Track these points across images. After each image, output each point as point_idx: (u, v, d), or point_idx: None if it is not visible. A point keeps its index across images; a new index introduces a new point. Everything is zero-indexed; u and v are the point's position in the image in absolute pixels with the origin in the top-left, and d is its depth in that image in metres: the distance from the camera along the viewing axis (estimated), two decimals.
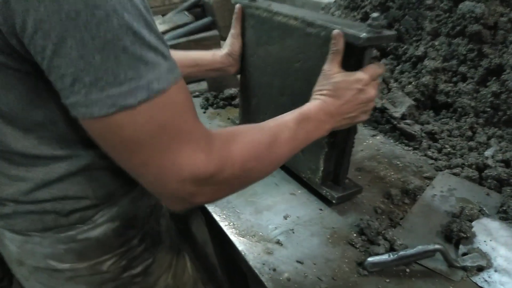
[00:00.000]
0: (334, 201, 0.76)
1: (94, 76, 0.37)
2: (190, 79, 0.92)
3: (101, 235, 0.61)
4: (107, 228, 0.61)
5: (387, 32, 0.62)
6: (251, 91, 0.91)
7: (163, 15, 1.97)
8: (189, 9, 1.97)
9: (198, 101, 1.26)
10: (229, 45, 0.91)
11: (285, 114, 0.61)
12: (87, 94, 0.38)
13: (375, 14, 0.61)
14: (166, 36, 1.78)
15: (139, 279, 0.69)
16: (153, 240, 0.72)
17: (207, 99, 1.24)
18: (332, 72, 0.63)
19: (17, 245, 0.59)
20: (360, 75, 0.63)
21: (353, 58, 0.64)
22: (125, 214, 0.63)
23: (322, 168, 0.76)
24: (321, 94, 0.64)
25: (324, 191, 0.77)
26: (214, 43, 1.62)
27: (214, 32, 1.62)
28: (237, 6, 0.88)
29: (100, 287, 0.66)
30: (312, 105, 0.63)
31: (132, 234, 0.66)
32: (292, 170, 0.85)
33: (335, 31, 0.62)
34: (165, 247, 0.75)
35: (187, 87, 0.45)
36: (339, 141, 0.73)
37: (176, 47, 1.53)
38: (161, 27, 1.82)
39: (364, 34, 0.59)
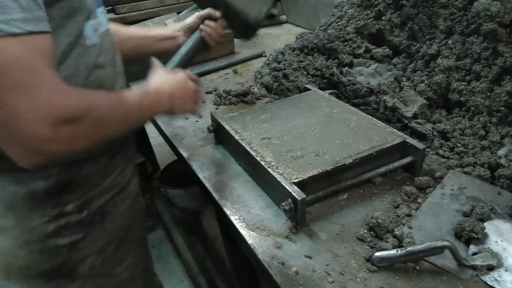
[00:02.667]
0: None
1: None
2: (144, 51, 1.01)
3: (32, 191, 0.66)
4: (40, 184, 0.66)
5: None
6: None
7: (178, 13, 1.99)
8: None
9: (210, 97, 1.27)
10: (191, 22, 1.02)
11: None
12: None
13: None
14: None
15: (64, 252, 0.72)
16: (94, 218, 0.75)
17: (219, 96, 1.25)
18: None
19: None
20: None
21: None
22: (62, 176, 0.68)
23: None
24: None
25: None
26: (227, 41, 1.64)
27: (227, 30, 1.63)
28: None
29: (26, 246, 0.70)
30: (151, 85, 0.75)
31: (67, 199, 0.70)
32: None
33: None
34: (105, 230, 0.78)
35: (51, 44, 0.54)
36: None
37: None
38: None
39: None
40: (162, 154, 2.43)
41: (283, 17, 2.15)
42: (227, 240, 1.02)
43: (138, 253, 0.92)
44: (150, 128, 2.09)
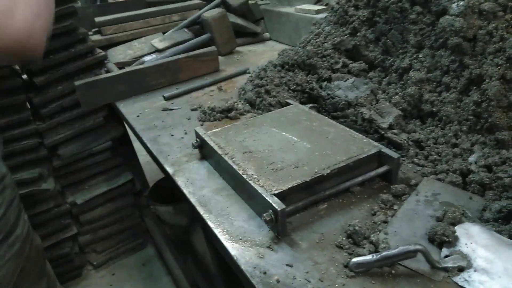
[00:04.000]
0: None
1: None
2: None
3: None
4: None
5: None
6: None
7: (164, 33, 2.04)
8: (188, 26, 2.04)
9: (196, 114, 1.31)
10: None
11: None
12: None
13: None
14: (167, 52, 1.84)
15: None
16: None
17: (204, 112, 1.29)
18: None
19: None
20: None
21: None
22: None
23: None
24: None
25: None
26: (212, 59, 1.68)
27: (212, 48, 1.68)
28: None
29: None
30: None
31: None
32: None
33: None
34: None
35: None
36: None
37: (176, 63, 1.59)
38: (161, 44, 1.89)
39: None
40: (151, 172, 2.45)
41: (267, 35, 2.21)
42: (214, 253, 1.04)
43: (40, 285, 0.90)
44: (138, 146, 2.11)
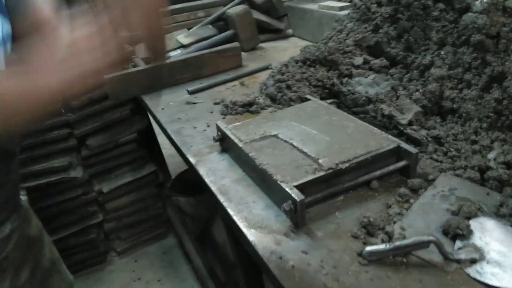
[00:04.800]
0: None
1: None
2: None
3: None
4: None
5: None
6: None
7: (188, 29, 2.09)
8: (212, 22, 2.08)
9: (218, 108, 1.35)
10: None
11: None
12: None
13: None
14: (191, 48, 1.90)
15: None
16: None
17: (226, 106, 1.33)
18: None
19: None
20: None
21: None
22: None
23: None
24: None
25: None
26: (235, 54, 1.72)
27: (235, 44, 1.72)
28: None
29: None
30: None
31: None
32: None
33: None
34: None
35: None
36: None
37: (200, 58, 1.64)
38: (186, 40, 1.94)
39: None
40: (174, 164, 2.52)
41: (290, 31, 2.23)
42: (233, 242, 1.08)
43: (19, 281, 0.94)
44: (162, 140, 2.18)
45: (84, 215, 1.86)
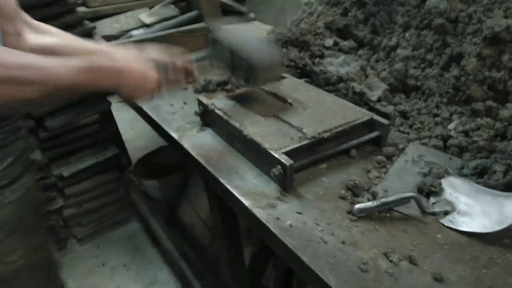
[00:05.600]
0: None
1: None
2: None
3: None
4: None
5: None
6: None
7: (150, 8, 2.04)
8: (175, 3, 2.05)
9: (191, 86, 1.35)
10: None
11: None
12: None
13: None
14: (154, 28, 1.86)
15: None
16: None
17: (200, 84, 1.33)
18: None
19: None
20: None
21: None
22: None
23: None
24: None
25: None
26: (203, 35, 1.72)
27: (203, 24, 1.72)
28: None
29: None
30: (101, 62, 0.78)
31: None
32: None
33: None
34: None
35: None
36: None
37: (167, 37, 1.62)
38: (149, 19, 1.90)
39: None
40: (131, 150, 2.45)
41: (252, 15, 2.26)
42: (218, 213, 1.11)
43: (33, 243, 0.95)
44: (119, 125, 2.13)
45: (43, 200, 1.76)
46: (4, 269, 0.88)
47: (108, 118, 1.96)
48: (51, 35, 0.97)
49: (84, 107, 1.74)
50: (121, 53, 0.86)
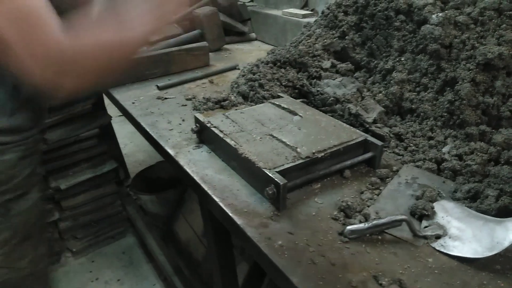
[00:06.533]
0: None
1: None
2: None
3: None
4: None
5: None
6: None
7: None
8: (178, 21, 2.09)
9: (190, 103, 1.37)
10: None
11: None
12: None
13: None
14: (157, 45, 1.89)
15: None
16: None
17: (199, 102, 1.35)
18: None
19: None
20: None
21: None
22: None
23: None
24: None
25: None
26: (203, 53, 1.75)
27: (204, 43, 1.75)
28: None
29: None
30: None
31: None
32: None
33: None
34: (10, 223, 0.83)
35: None
36: None
37: (169, 55, 1.65)
38: (152, 37, 1.93)
39: None
40: (130, 164, 2.47)
41: (253, 35, 2.30)
42: (212, 231, 1.11)
43: (39, 252, 0.96)
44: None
45: None
46: (15, 275, 0.89)
47: (108, 132, 1.98)
48: None
49: (84, 121, 1.76)
50: None
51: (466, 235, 0.75)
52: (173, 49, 1.68)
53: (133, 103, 1.42)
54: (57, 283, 1.80)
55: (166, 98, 1.45)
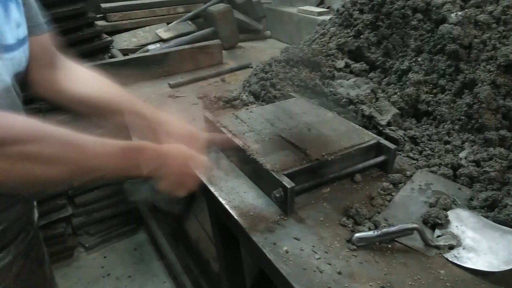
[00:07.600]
0: None
1: None
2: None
3: None
4: None
5: None
6: None
7: (168, 23, 2.08)
8: (192, 19, 2.09)
9: (201, 102, 1.36)
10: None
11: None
12: None
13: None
14: (171, 43, 1.89)
15: None
16: None
17: (210, 101, 1.34)
18: None
19: None
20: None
21: None
22: None
23: None
24: None
25: None
26: (216, 51, 1.74)
27: (217, 41, 1.74)
28: None
29: None
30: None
31: None
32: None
33: None
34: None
35: None
36: None
37: (181, 53, 1.64)
38: (166, 34, 1.94)
39: None
40: None
41: (268, 32, 2.28)
42: (218, 233, 1.10)
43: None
44: None
45: (53, 208, 1.79)
46: None
47: (122, 128, 1.99)
48: (86, 82, 0.89)
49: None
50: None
51: (482, 246, 0.71)
52: (186, 46, 1.68)
53: (145, 101, 1.42)
54: (69, 278, 1.83)
55: (177, 97, 1.45)
